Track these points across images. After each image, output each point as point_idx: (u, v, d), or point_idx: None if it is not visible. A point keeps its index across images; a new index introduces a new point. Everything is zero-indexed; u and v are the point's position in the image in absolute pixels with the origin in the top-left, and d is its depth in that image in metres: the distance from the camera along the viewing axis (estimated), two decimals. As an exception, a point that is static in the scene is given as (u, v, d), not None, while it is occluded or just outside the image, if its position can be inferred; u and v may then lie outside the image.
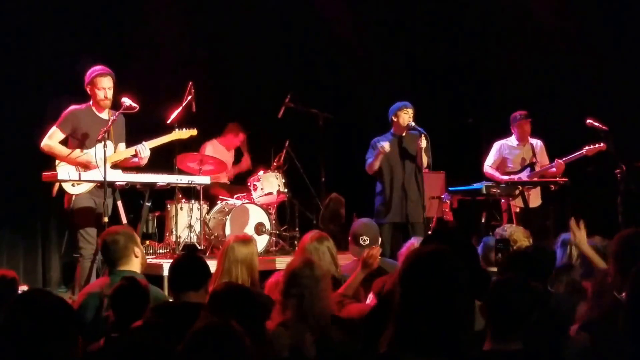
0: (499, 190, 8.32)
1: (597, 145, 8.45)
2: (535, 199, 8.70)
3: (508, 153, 8.90)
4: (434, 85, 10.90)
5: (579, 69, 9.76)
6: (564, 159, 8.54)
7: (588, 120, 8.55)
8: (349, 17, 10.65)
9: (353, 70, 10.74)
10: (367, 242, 5.72)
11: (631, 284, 3.21)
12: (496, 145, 8.98)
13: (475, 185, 8.36)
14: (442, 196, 8.46)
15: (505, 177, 8.65)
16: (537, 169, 8.69)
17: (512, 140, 8.94)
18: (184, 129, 7.45)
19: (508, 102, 10.18)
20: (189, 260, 4.18)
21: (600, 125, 8.49)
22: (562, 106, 9.21)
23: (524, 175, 8.66)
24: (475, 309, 3.23)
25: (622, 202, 8.41)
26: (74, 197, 6.65)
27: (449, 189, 8.59)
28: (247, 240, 4.92)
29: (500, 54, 10.45)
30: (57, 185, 6.62)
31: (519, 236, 5.54)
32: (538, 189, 8.70)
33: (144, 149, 6.84)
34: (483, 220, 8.30)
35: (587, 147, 8.48)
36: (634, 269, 3.25)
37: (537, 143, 8.89)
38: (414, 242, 5.63)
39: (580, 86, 9.66)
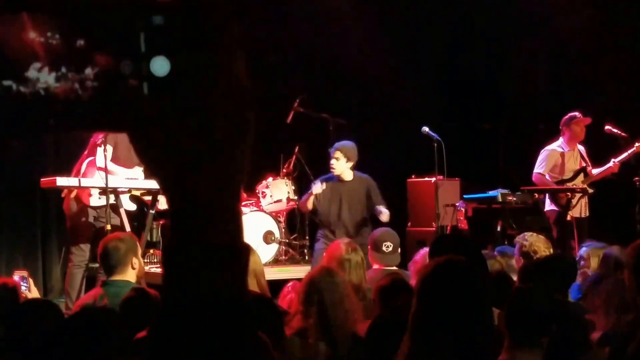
0: (515, 198, 8.09)
1: None
2: (585, 208, 8.30)
3: (559, 159, 8.34)
4: (450, 90, 10.69)
5: (597, 74, 9.54)
6: (617, 159, 8.14)
7: (607, 127, 8.32)
8: (362, 20, 10.46)
9: (366, 74, 10.54)
10: (390, 248, 5.58)
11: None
12: (546, 152, 8.37)
13: (491, 193, 8.15)
14: (457, 204, 8.24)
15: (568, 185, 8.21)
16: (590, 173, 8.28)
17: (562, 146, 8.37)
18: None
19: (525, 108, 9.99)
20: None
21: (619, 132, 8.26)
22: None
23: (578, 182, 8.25)
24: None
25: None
26: (74, 203, 6.49)
27: (464, 196, 8.40)
28: (251, 250, 4.71)
29: (517, 59, 10.25)
30: (72, 196, 6.45)
31: (539, 246, 5.40)
32: (587, 199, 8.26)
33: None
34: (499, 228, 8.07)
35: (638, 144, 8.08)
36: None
37: (582, 148, 8.44)
38: (427, 251, 5.45)
39: (598, 92, 9.44)
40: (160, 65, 0.98)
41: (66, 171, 6.83)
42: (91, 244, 6.57)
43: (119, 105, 0.93)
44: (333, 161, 7.63)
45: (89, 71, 0.98)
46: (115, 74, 0.96)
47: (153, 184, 6.80)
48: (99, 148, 6.38)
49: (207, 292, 0.88)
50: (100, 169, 6.46)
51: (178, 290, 0.91)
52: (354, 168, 7.69)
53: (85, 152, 6.76)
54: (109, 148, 6.44)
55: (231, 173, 0.93)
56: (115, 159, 6.53)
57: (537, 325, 2.94)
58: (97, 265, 6.52)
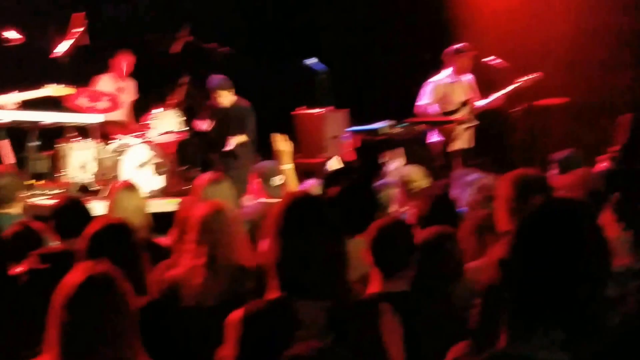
0: (399, 130, 8.24)
1: (532, 76, 8.13)
2: (470, 139, 8.41)
3: (445, 91, 8.28)
4: (337, 20, 10.69)
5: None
6: (501, 92, 8.18)
7: (488, 58, 8.42)
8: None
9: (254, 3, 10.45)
10: (278, 182, 5.61)
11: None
12: (431, 84, 8.30)
13: (376, 125, 8.26)
14: (343, 136, 8.35)
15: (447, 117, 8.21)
16: (474, 105, 8.29)
17: (447, 77, 8.30)
18: (62, 85, 7.10)
19: (413, 40, 10.09)
20: (70, 207, 3.99)
21: (502, 62, 8.34)
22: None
23: (463, 113, 8.26)
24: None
25: (519, 141, 8.44)
26: None
27: (349, 128, 8.48)
28: (133, 187, 4.75)
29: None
30: None
31: (415, 176, 5.49)
32: (472, 130, 8.35)
33: (11, 101, 6.43)
34: (385, 160, 8.22)
35: (522, 79, 8.13)
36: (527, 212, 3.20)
37: (470, 78, 8.37)
38: (312, 182, 5.57)
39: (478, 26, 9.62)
40: None
41: None
42: None
43: None
44: (219, 100, 8.17)
45: None
46: None
47: (36, 116, 6.66)
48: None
49: None
50: None
51: None
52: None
53: None
54: None
55: None
56: None
57: (401, 255, 3.08)
58: None
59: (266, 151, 8.03)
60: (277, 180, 5.64)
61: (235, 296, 3.58)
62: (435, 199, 4.07)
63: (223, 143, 8.28)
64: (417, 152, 8.34)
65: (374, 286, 3.09)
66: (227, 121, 8.20)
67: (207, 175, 5.03)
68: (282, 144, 5.21)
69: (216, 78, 8.23)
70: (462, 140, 8.24)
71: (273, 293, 2.41)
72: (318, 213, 2.44)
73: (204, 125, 8.22)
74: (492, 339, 1.81)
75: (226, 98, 8.18)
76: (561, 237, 1.74)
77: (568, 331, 1.74)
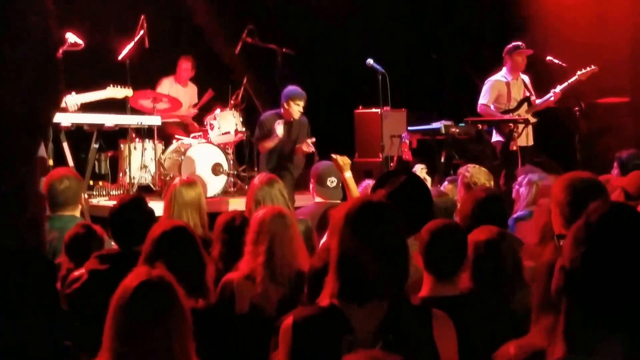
0: (458, 130, 8.17)
1: (589, 69, 8.09)
2: (529, 137, 8.36)
3: (500, 89, 8.34)
4: (397, 19, 10.68)
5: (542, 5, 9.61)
6: (559, 87, 8.15)
7: (548, 58, 8.41)
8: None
9: (312, 4, 10.47)
10: (334, 183, 5.63)
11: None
12: (490, 82, 8.38)
13: (434, 125, 8.22)
14: (402, 135, 8.32)
15: (507, 116, 8.18)
16: (534, 102, 8.27)
17: (505, 75, 8.37)
18: (119, 87, 7.23)
19: (473, 37, 10.03)
20: (129, 208, 4.01)
21: (560, 62, 8.35)
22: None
23: (522, 111, 8.26)
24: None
25: (580, 140, 8.34)
26: None
27: (408, 128, 8.46)
28: (192, 183, 4.80)
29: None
30: None
31: (479, 178, 5.47)
32: (532, 128, 8.31)
33: (72, 103, 6.55)
34: (442, 159, 8.19)
35: (579, 72, 8.11)
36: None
37: (525, 77, 8.44)
38: (370, 182, 5.56)
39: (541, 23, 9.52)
40: None
41: None
42: None
43: None
44: (297, 108, 7.65)
45: None
46: None
47: (97, 119, 6.78)
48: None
49: None
50: None
51: None
52: None
53: None
54: None
55: (33, 124, 0.95)
56: None
57: (452, 260, 3.05)
58: None
59: (323, 151, 8.10)
60: (332, 182, 5.64)
61: (292, 301, 3.59)
62: (480, 199, 3.96)
63: (286, 152, 7.96)
64: (476, 151, 8.29)
65: (425, 290, 3.06)
66: (292, 131, 7.86)
67: (261, 177, 5.06)
68: (341, 160, 5.25)
69: (296, 87, 7.79)
70: (522, 138, 8.17)
71: (328, 296, 2.38)
72: (386, 217, 2.39)
73: (279, 130, 7.67)
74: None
75: (301, 108, 7.73)
76: (632, 244, 1.70)
77: (630, 340, 1.70)
